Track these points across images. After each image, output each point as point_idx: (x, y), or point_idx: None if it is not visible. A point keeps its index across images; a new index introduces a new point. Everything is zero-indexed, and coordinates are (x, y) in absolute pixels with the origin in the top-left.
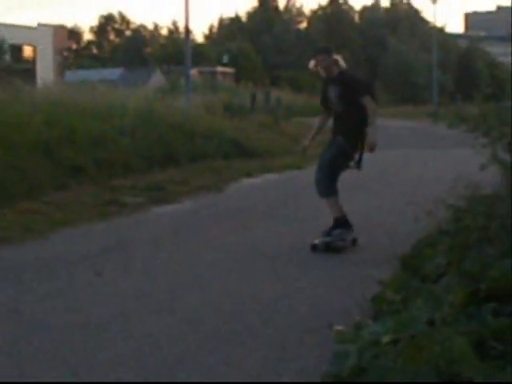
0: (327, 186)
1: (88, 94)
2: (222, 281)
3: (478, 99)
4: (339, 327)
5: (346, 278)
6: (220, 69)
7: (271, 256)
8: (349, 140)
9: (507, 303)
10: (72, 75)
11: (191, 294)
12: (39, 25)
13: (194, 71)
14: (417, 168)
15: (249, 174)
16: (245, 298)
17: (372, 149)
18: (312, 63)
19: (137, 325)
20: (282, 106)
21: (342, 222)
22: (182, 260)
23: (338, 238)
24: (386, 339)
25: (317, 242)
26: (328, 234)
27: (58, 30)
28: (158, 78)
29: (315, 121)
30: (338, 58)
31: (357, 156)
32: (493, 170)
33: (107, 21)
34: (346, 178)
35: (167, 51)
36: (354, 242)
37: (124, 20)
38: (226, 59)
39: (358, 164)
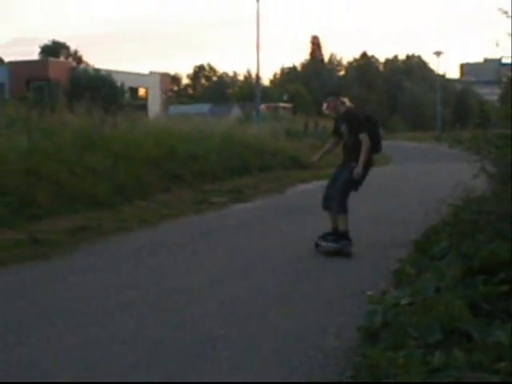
0: (342, 205)
1: (185, 123)
2: (283, 257)
3: (470, 127)
4: (370, 293)
5: (374, 257)
6: (281, 104)
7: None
8: (362, 165)
9: (494, 275)
10: (174, 109)
11: (260, 266)
12: (150, 72)
13: (262, 106)
14: (425, 177)
15: (302, 181)
16: (300, 270)
17: (356, 176)
18: (324, 105)
19: (220, 289)
20: (326, 132)
21: (345, 236)
22: (253, 242)
23: (342, 247)
24: (404, 301)
25: (323, 244)
26: (335, 240)
27: (164, 76)
28: (236, 112)
29: (326, 145)
30: (345, 99)
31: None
32: (482, 179)
33: (199, 69)
34: (372, 182)
35: (243, 92)
36: (349, 253)
37: (211, 69)
38: (285, 97)
39: (359, 185)
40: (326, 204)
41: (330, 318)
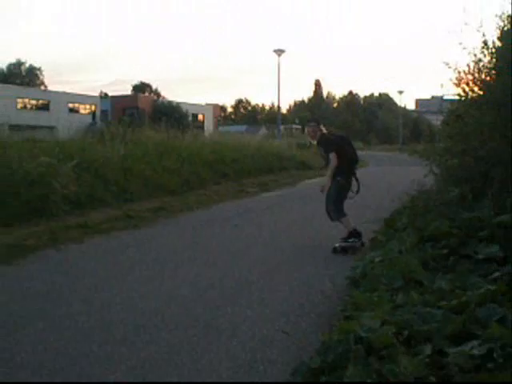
0: (337, 212)
1: (230, 138)
2: (297, 227)
3: (422, 142)
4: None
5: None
6: (294, 126)
7: (319, 217)
8: (343, 177)
9: (438, 242)
10: (222, 129)
11: (280, 235)
12: (206, 104)
13: (281, 127)
14: (391, 175)
15: (309, 178)
16: (306, 237)
17: (321, 190)
18: (306, 129)
19: (253, 250)
20: None
21: (354, 234)
22: (275, 218)
23: (351, 244)
24: (377, 259)
25: (336, 245)
26: (345, 240)
27: (215, 106)
28: (263, 131)
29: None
30: (322, 127)
31: (354, 187)
32: (430, 177)
33: (239, 102)
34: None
35: (268, 117)
36: (363, 244)
37: (247, 101)
38: (297, 121)
39: (357, 191)
40: (330, 216)
41: (327, 271)
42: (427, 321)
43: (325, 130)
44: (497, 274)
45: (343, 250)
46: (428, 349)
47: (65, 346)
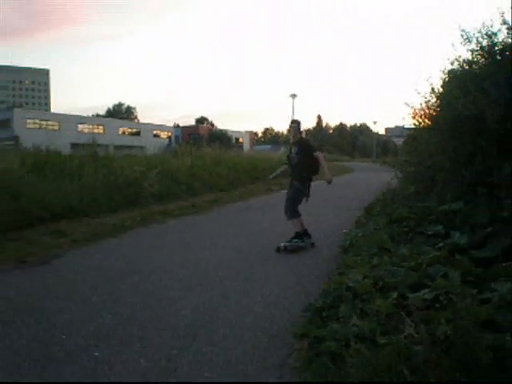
0: (292, 212)
1: (260, 154)
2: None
3: (389, 156)
4: (345, 230)
5: (346, 215)
6: None
7: (325, 206)
8: (302, 183)
9: (401, 223)
10: (256, 148)
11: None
12: (245, 131)
13: None
14: (368, 178)
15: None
16: (316, 220)
17: (329, 182)
18: (288, 127)
19: (278, 227)
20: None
21: (302, 234)
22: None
23: (295, 245)
24: (360, 234)
25: (281, 245)
26: (289, 241)
27: (251, 132)
28: (283, 149)
29: (282, 166)
30: (303, 131)
31: (307, 192)
32: (395, 180)
33: (266, 129)
34: (342, 181)
35: (286, 139)
36: (313, 245)
37: (272, 128)
38: None
39: (307, 197)
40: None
41: (324, 242)
42: (394, 275)
43: (304, 134)
44: (441, 244)
45: (286, 250)
46: (395, 294)
47: (153, 292)
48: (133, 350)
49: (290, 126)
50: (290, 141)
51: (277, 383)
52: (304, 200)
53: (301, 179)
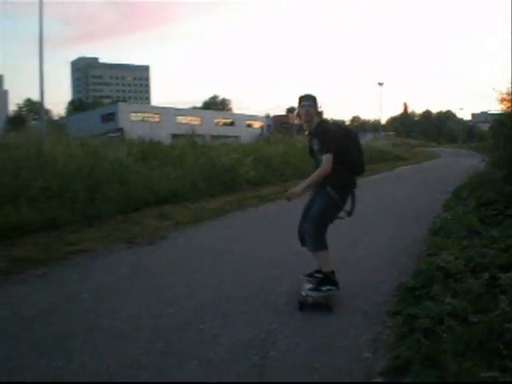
0: (316, 239)
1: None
2: (396, 196)
3: (474, 142)
4: (434, 214)
5: (435, 197)
6: (390, 133)
7: (412, 189)
8: (339, 190)
9: (489, 206)
10: None
11: (386, 201)
12: (333, 120)
13: (382, 133)
14: (454, 164)
15: (402, 166)
16: (402, 201)
17: (287, 198)
18: (297, 111)
19: (367, 211)
20: (410, 144)
21: (329, 278)
22: (381, 190)
23: (326, 295)
24: (449, 217)
25: (303, 294)
26: (317, 287)
27: (338, 121)
28: (370, 136)
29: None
30: (321, 110)
31: (348, 205)
32: (482, 164)
33: (353, 117)
34: (432, 165)
35: (373, 127)
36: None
37: (359, 117)
38: (392, 129)
39: (351, 212)
40: (302, 240)
41: (415, 224)
42: (485, 256)
43: (323, 116)
44: None
45: (316, 305)
46: (486, 275)
47: (252, 270)
48: (235, 323)
49: (300, 107)
50: (305, 130)
51: (287, 383)
52: (344, 214)
53: (336, 184)
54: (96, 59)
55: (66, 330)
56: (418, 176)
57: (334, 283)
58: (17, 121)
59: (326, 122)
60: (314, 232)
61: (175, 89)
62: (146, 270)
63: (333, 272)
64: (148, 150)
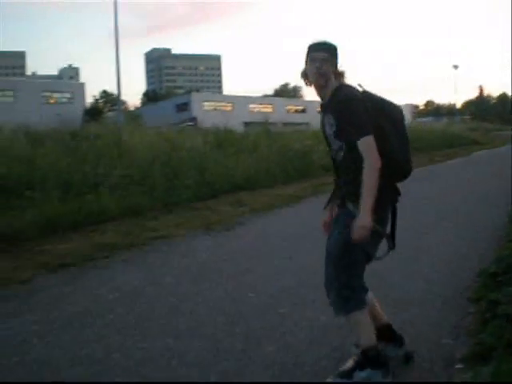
0: (340, 294)
1: (421, 126)
2: (473, 181)
3: None
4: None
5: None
6: (466, 117)
7: (488, 175)
8: (378, 209)
9: None
10: (418, 119)
11: (464, 187)
12: (405, 104)
13: (458, 117)
14: None
15: (478, 150)
16: (479, 188)
17: (356, 237)
18: (303, 69)
19: (443, 198)
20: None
21: (373, 357)
22: (458, 175)
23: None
24: None
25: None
26: (348, 374)
27: (412, 105)
28: (445, 120)
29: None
30: (343, 70)
31: (386, 230)
32: None
33: (427, 101)
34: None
35: (448, 111)
36: (408, 359)
37: (433, 101)
38: (468, 113)
39: (392, 242)
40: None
41: (492, 213)
42: None
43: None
44: None
45: None
46: None
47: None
48: (314, 308)
49: (309, 61)
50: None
51: (289, 383)
52: (383, 254)
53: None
54: (169, 50)
55: (148, 312)
56: (495, 162)
57: (380, 365)
58: (94, 112)
59: (348, 87)
60: (335, 281)
61: (246, 77)
62: (224, 256)
63: (376, 347)
64: (223, 138)
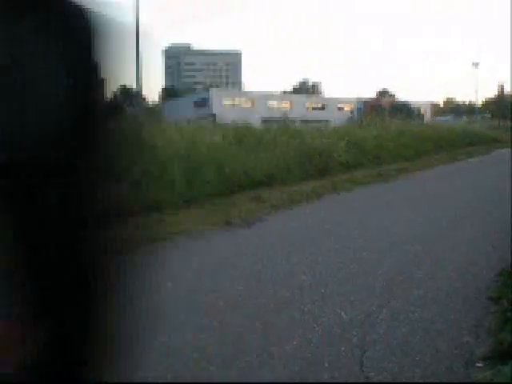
0: None
1: (441, 125)
2: (492, 179)
3: None
4: None
5: None
6: (486, 115)
7: (506, 172)
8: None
9: None
10: (438, 118)
11: (482, 184)
12: (426, 102)
13: (478, 116)
14: None
15: (498, 148)
16: (498, 186)
17: None
18: None
19: (460, 195)
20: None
21: None
22: (477, 173)
23: None
24: None
25: None
26: None
27: (432, 104)
28: (465, 119)
29: None
30: None
31: None
32: None
33: (447, 99)
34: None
35: (469, 109)
36: None
37: (453, 99)
38: (488, 112)
39: None
40: None
41: None
42: None
43: None
44: None
45: None
46: None
47: (347, 253)
48: (334, 304)
49: None
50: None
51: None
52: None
53: None
54: (188, 46)
55: (168, 308)
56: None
57: None
58: (113, 107)
59: None
60: None
61: (266, 74)
62: (244, 251)
63: None
64: (242, 134)
